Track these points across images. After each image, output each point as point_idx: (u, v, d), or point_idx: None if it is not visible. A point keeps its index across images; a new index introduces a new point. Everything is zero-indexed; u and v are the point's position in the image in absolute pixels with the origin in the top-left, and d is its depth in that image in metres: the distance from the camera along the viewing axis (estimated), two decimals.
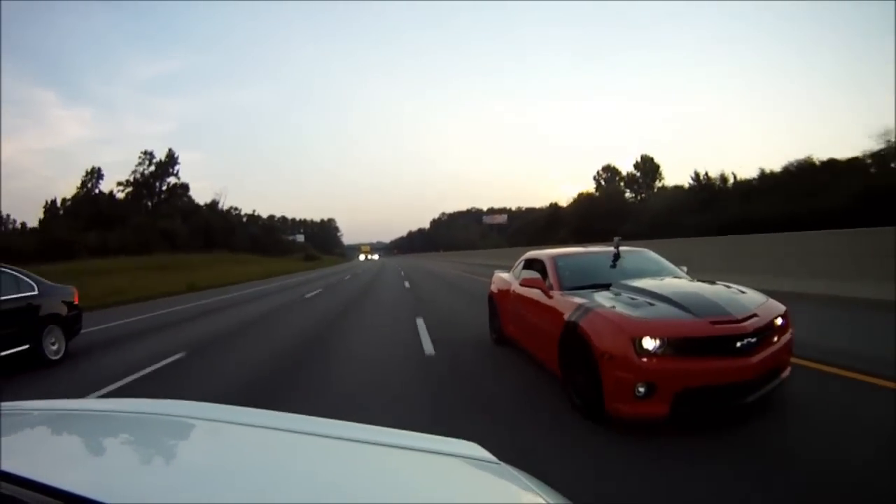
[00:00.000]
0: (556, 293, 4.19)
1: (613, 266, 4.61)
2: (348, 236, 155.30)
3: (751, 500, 2.24)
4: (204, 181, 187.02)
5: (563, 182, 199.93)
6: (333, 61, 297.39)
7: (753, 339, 3.08)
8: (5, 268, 6.20)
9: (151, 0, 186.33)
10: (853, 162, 27.74)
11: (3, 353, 5.56)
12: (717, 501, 2.26)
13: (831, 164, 29.06)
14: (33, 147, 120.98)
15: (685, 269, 4.84)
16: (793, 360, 3.58)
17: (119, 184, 55.00)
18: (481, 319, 6.63)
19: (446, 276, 21.90)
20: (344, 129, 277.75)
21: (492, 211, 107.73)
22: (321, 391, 4.27)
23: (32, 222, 55.14)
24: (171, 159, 55.13)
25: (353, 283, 20.99)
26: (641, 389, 2.97)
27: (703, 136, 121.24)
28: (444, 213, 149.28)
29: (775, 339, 3.32)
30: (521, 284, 4.95)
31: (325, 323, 8.53)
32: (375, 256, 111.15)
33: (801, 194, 24.81)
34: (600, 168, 62.27)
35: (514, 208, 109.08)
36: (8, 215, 58.23)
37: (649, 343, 2.99)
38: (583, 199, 53.75)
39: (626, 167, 62.78)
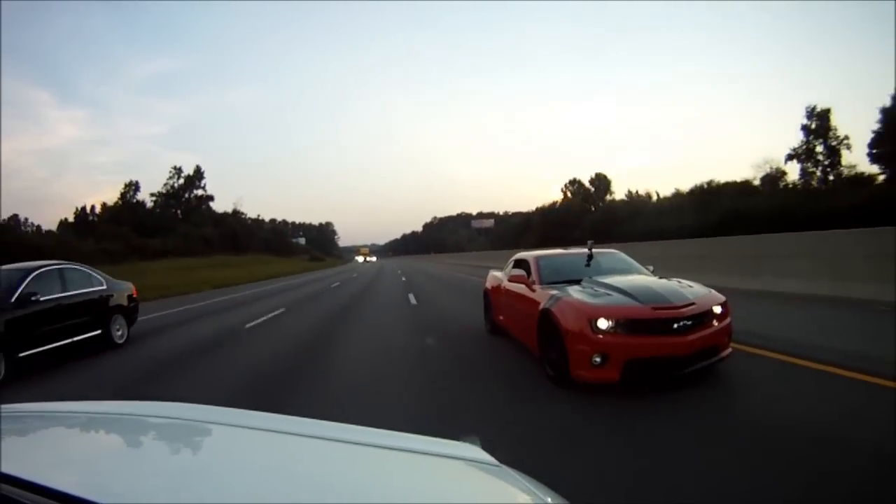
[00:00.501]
0: (537, 287, 4.83)
1: (588, 265, 5.20)
2: (343, 238, 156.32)
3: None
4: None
5: (550, 184, 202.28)
6: (327, 66, 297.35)
7: (689, 322, 3.74)
8: (81, 266, 7.31)
9: (150, 0, 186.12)
10: (737, 185, 38.03)
11: (81, 337, 6.56)
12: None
13: (723, 186, 39.13)
14: (27, 147, 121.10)
15: (651, 268, 5.41)
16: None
17: (152, 195, 61.38)
18: (442, 288, 11.42)
19: (434, 272, 27.68)
20: (339, 135, 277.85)
21: (480, 215, 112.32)
22: (361, 321, 8.82)
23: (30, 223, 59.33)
24: (198, 174, 62.44)
25: (361, 278, 25.78)
26: (597, 359, 3.65)
27: (691, 141, 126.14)
28: (435, 217, 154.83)
29: (714, 323, 3.93)
30: (510, 280, 5.65)
31: (354, 297, 13.87)
32: (373, 258, 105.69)
33: (695, 210, 33.60)
34: (567, 181, 71.23)
35: (501, 212, 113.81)
36: (26, 218, 61.19)
37: (603, 323, 3.69)
38: (546, 209, 63.86)
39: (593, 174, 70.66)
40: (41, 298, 6.03)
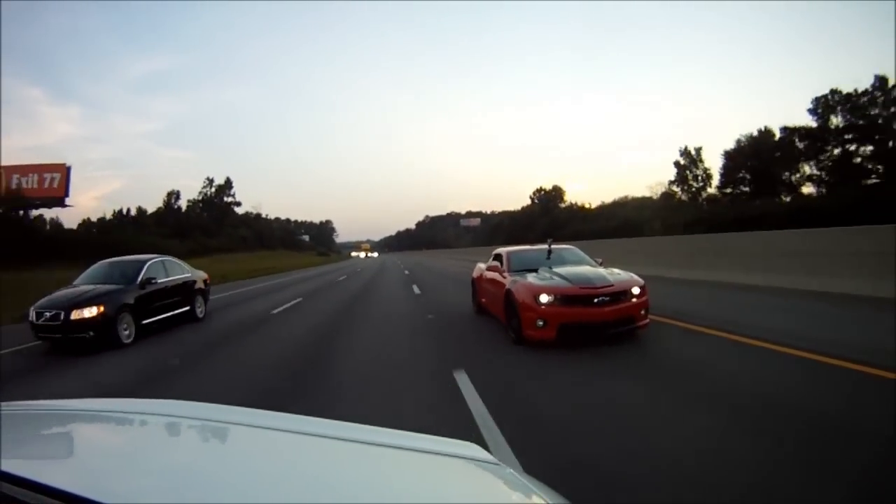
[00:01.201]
0: (506, 274, 6.15)
1: (548, 258, 6.38)
2: (340, 235, 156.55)
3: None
4: (193, 180, 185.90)
5: (530, 185, 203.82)
6: (323, 67, 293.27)
7: (607, 298, 5.02)
8: (174, 259, 9.27)
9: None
10: (639, 201, 55.57)
11: (177, 311, 8.45)
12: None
13: (629, 200, 57.66)
14: (19, 144, 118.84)
15: (600, 260, 6.51)
16: None
17: (189, 202, 69.81)
18: (436, 271, 14.28)
19: (428, 264, 32.77)
20: (335, 134, 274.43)
21: (469, 214, 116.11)
22: (373, 299, 11.15)
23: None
24: (228, 184, 72.49)
25: (367, 270, 29.38)
26: (540, 323, 4.99)
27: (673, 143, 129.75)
28: (427, 216, 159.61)
29: (632, 300, 5.14)
30: (488, 270, 7.05)
31: (369, 281, 17.18)
32: (375, 254, 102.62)
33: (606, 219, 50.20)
34: (533, 190, 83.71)
35: (488, 212, 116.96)
36: (54, 217, 63.62)
37: (544, 297, 5.04)
38: (512, 213, 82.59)
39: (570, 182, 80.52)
40: (156, 281, 8.03)
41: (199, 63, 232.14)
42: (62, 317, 6.62)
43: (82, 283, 7.65)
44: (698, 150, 48.97)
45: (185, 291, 8.94)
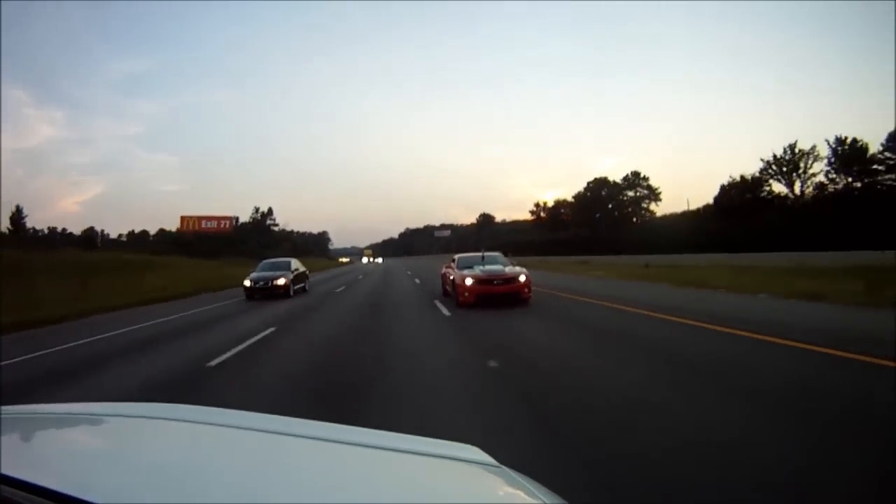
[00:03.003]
0: (456, 270, 10.25)
1: (482, 261, 10.53)
2: (333, 241, 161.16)
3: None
4: (178, 185, 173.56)
5: (493, 199, 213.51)
6: (306, 75, 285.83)
7: (501, 281, 9.50)
8: (296, 260, 17.95)
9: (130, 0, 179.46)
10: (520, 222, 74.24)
11: (300, 285, 16.16)
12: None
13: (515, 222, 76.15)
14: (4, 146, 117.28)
15: (512, 262, 10.95)
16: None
17: (242, 223, 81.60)
18: (427, 272, 22.37)
19: (411, 263, 44.52)
20: (327, 143, 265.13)
21: (442, 226, 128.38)
22: (393, 279, 20.03)
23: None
24: (270, 211, 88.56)
25: (376, 271, 38.19)
26: (467, 294, 9.47)
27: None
28: (408, 228, 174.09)
29: (519, 282, 9.47)
30: (446, 267, 11.64)
31: (384, 272, 27.53)
32: (379, 260, 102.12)
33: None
34: (479, 214, 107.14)
35: (457, 224, 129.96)
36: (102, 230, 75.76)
37: (468, 281, 9.51)
38: (458, 228, 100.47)
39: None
40: (296, 269, 16.67)
41: (184, 66, 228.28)
42: (269, 282, 15.15)
43: (261, 271, 16.02)
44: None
45: (302, 275, 17.45)
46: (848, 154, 40.81)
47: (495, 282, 9.51)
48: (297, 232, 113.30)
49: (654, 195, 61.44)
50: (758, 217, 38.46)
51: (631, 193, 62.61)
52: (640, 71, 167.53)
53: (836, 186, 41.97)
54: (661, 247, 34.01)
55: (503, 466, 0.81)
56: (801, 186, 44.62)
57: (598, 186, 63.81)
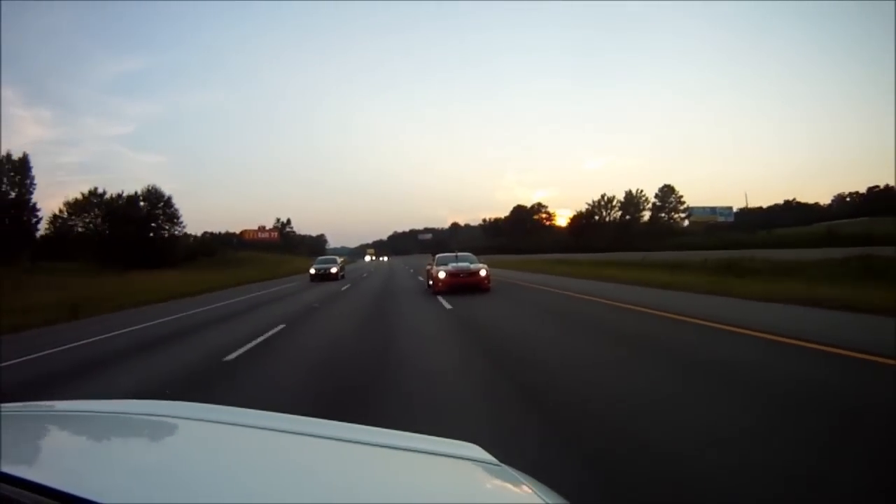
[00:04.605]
0: (434, 266, 13.32)
1: (456, 259, 13.37)
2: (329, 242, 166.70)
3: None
4: (167, 185, 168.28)
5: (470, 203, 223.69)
6: (296, 76, 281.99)
7: (465, 274, 12.77)
8: (337, 257, 29.14)
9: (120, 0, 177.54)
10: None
11: (341, 273, 26.07)
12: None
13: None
14: None
15: (478, 259, 13.86)
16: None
17: (267, 230, 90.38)
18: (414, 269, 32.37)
19: (403, 261, 55.66)
20: (321, 145, 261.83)
21: (425, 230, 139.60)
22: (397, 270, 30.04)
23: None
24: (289, 221, 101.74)
25: (379, 267, 48.02)
26: (440, 285, 12.57)
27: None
28: (395, 231, 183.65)
29: (480, 275, 12.75)
30: (428, 264, 15.66)
31: (388, 267, 38.15)
32: (385, 258, 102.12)
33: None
34: (451, 222, 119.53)
35: (438, 228, 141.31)
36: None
37: (441, 274, 12.64)
38: (437, 231, 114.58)
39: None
40: (338, 262, 27.07)
41: (174, 66, 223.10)
42: (327, 271, 25.27)
43: (319, 264, 26.17)
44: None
45: (342, 266, 27.74)
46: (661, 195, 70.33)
47: (461, 275, 12.70)
48: (300, 235, 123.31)
49: (550, 216, 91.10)
50: (596, 232, 63.26)
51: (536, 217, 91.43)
52: (622, 76, 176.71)
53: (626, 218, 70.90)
54: (555, 248, 51.15)
55: (503, 465, 0.80)
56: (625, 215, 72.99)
57: (519, 210, 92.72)
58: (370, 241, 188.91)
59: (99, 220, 45.29)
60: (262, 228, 77.53)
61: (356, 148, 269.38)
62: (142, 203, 46.10)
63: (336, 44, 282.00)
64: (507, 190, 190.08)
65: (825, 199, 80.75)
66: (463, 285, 12.57)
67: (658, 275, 14.62)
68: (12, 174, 39.36)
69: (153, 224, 46.02)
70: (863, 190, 69.99)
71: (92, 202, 46.05)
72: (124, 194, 46.11)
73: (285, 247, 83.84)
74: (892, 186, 50.07)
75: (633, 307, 8.33)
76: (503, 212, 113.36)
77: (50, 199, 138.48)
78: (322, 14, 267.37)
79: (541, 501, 0.68)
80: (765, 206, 72.77)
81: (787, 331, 5.33)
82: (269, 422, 0.95)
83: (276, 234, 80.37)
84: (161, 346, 7.30)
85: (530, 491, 0.71)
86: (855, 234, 23.86)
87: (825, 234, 26.63)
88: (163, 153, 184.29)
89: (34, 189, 40.58)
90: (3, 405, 1.00)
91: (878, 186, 63.46)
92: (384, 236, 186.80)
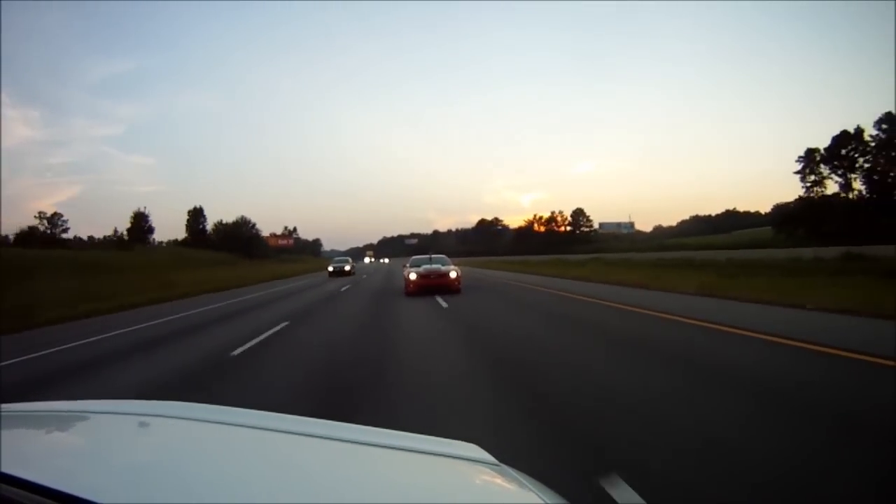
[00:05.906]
0: (408, 269, 13.84)
1: (429, 261, 14.47)
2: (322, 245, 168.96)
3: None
4: (156, 186, 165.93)
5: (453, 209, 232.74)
6: (286, 76, 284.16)
7: (437, 276, 13.10)
8: (348, 257, 38.20)
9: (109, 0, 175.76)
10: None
11: (350, 269, 34.06)
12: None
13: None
14: None
15: (451, 261, 14.75)
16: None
17: (276, 236, 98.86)
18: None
19: (390, 264, 62.17)
20: (315, 149, 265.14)
21: (411, 235, 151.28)
22: (395, 269, 38.63)
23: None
24: (295, 229, 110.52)
25: (379, 268, 53.89)
26: (412, 287, 13.00)
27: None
28: (384, 236, 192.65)
29: (451, 277, 13.08)
30: (403, 266, 18.31)
31: (387, 268, 45.90)
32: (385, 260, 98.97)
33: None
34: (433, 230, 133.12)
35: (424, 233, 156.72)
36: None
37: (413, 276, 13.09)
38: (420, 236, 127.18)
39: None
40: (349, 260, 36.05)
41: (164, 68, 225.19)
42: (343, 267, 33.94)
43: (335, 263, 34.82)
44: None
45: (353, 265, 36.52)
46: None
47: (431, 276, 12.91)
48: (302, 240, 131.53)
49: (505, 227, 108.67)
50: (546, 238, 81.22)
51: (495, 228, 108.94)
52: (615, 80, 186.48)
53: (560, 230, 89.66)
54: (516, 250, 61.46)
55: (503, 465, 0.79)
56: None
57: (482, 223, 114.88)
58: (361, 245, 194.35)
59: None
60: (274, 235, 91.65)
61: (346, 153, 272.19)
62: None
63: (326, 48, 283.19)
64: (496, 193, 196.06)
65: (766, 209, 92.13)
66: (433, 287, 12.90)
67: (573, 269, 23.04)
68: None
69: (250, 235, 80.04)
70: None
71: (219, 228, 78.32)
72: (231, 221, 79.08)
73: (293, 250, 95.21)
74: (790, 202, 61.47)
75: (546, 289, 13.90)
76: (490, 215, 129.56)
77: (38, 199, 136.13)
78: (311, 19, 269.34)
79: (541, 501, 0.66)
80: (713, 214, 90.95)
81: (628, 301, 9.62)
82: (268, 422, 0.94)
83: (290, 240, 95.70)
84: (296, 294, 16.40)
85: (530, 491, 0.70)
86: (756, 240, 41.12)
87: (726, 241, 39.60)
88: (152, 155, 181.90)
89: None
90: (3, 405, 0.99)
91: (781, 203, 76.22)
92: (374, 240, 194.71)
